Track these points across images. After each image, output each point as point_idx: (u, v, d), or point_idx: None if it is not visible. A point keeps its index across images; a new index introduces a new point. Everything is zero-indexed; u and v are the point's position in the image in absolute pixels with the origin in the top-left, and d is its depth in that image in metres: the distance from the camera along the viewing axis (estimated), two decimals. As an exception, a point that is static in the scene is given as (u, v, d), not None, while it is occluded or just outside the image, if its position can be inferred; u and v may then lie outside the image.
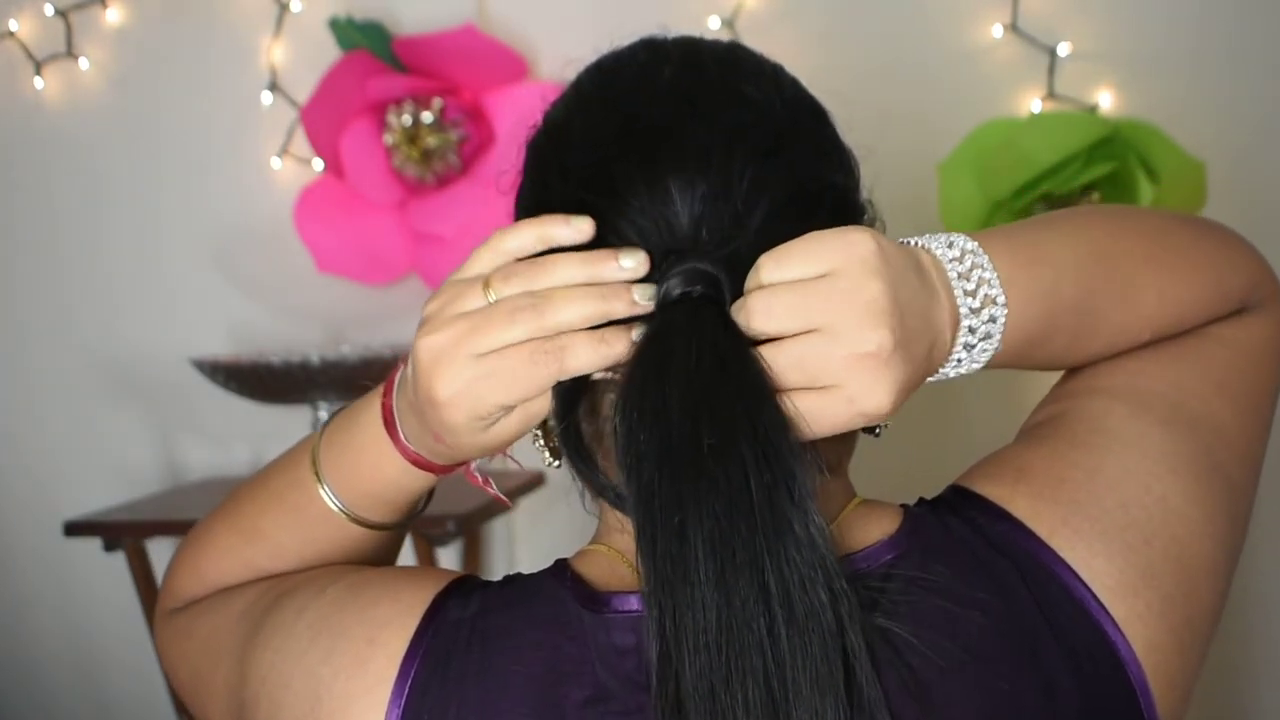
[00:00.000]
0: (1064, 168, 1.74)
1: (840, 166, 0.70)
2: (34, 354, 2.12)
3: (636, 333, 0.63)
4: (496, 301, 0.64)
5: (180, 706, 1.75)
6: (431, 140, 1.91)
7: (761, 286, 0.62)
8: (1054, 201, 1.79)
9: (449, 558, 1.96)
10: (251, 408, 1.93)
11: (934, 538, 0.68)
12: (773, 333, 0.62)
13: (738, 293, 0.63)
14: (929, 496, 0.73)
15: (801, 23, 1.88)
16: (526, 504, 1.87)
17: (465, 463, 0.74)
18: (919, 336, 0.63)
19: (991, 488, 0.70)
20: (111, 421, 2.10)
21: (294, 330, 2.03)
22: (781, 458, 0.60)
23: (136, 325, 2.09)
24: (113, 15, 2.06)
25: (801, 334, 0.61)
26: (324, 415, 1.81)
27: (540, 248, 0.65)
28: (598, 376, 0.65)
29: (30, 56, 2.09)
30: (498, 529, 2.03)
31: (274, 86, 2.02)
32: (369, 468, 0.75)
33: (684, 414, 0.60)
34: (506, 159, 0.74)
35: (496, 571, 2.01)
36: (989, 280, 0.66)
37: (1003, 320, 0.67)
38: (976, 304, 0.66)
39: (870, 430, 0.70)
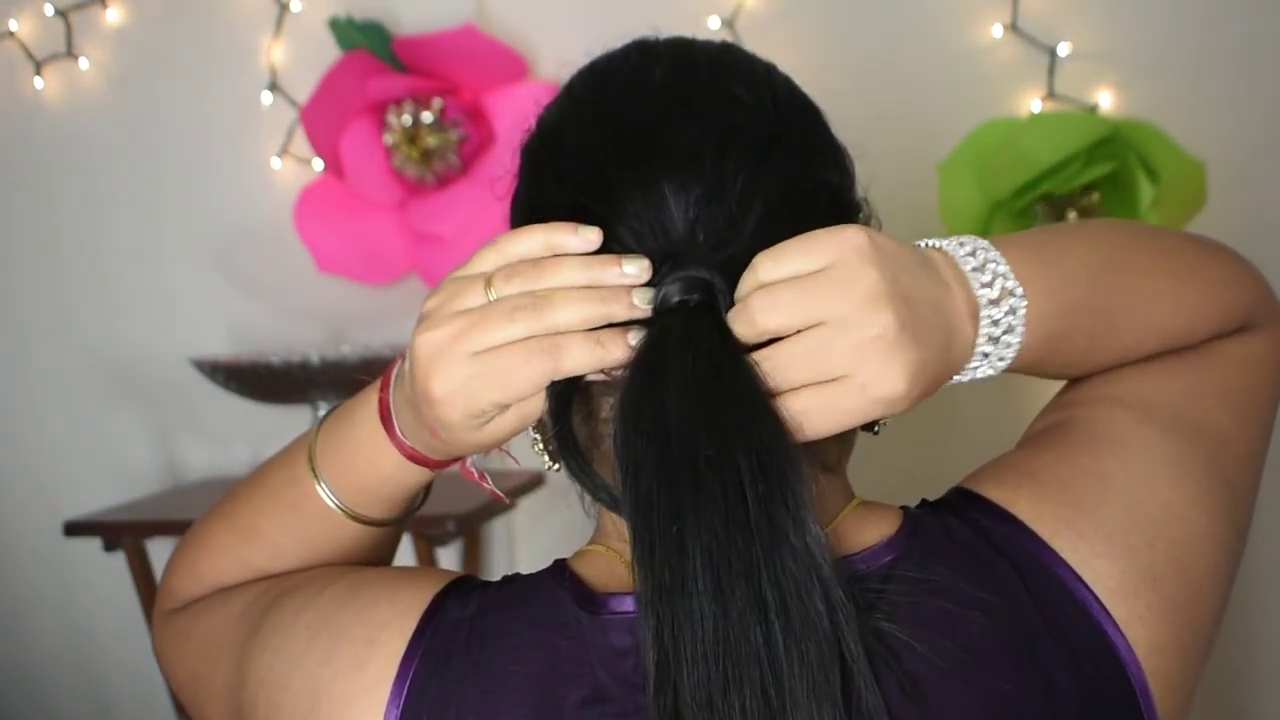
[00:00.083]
0: (1064, 168, 1.74)
1: (834, 165, 0.70)
2: (34, 354, 2.13)
3: (633, 337, 0.63)
4: (497, 300, 0.64)
5: (180, 707, 1.75)
6: (431, 140, 1.91)
7: (760, 285, 0.62)
8: (1054, 201, 1.79)
9: (449, 558, 1.96)
10: (251, 408, 1.93)
11: (934, 539, 0.68)
12: (775, 329, 0.62)
13: (735, 296, 0.63)
14: (929, 498, 0.73)
15: (801, 23, 1.88)
16: (526, 504, 1.87)
17: (461, 459, 0.74)
18: (931, 325, 0.63)
19: (995, 490, 0.70)
20: (111, 421, 2.10)
21: (294, 330, 2.04)
22: (778, 468, 0.60)
23: (136, 325, 2.09)
24: (113, 15, 2.06)
25: (806, 329, 0.61)
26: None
27: (546, 254, 0.65)
28: (593, 378, 0.65)
29: (30, 56, 2.09)
30: (498, 529, 2.03)
31: (274, 86, 2.02)
32: (365, 463, 0.75)
33: (682, 424, 0.60)
34: (505, 160, 0.74)
35: (496, 571, 2.01)
36: (1004, 273, 0.67)
37: (1023, 312, 0.67)
38: (994, 294, 0.66)
39: (869, 428, 0.70)
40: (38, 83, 2.08)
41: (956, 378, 0.67)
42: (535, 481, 1.81)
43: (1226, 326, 0.79)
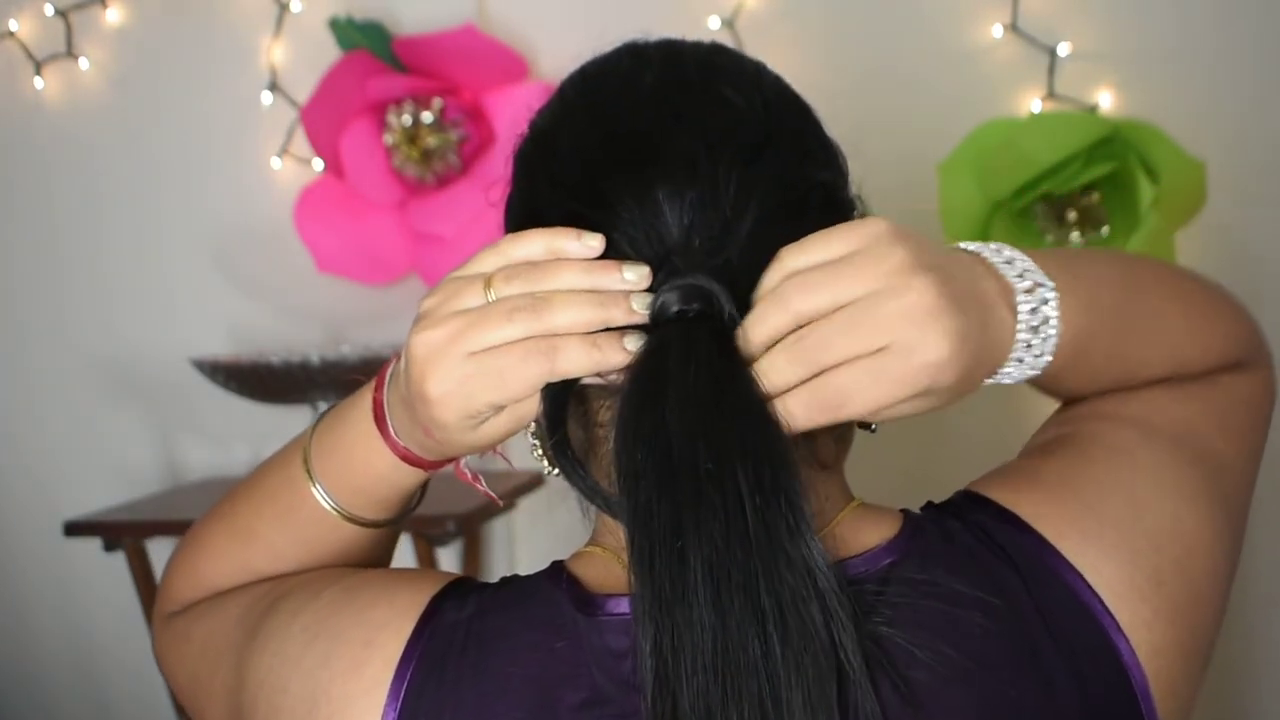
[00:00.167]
0: (1064, 168, 1.73)
1: (827, 163, 0.70)
2: (34, 354, 2.13)
3: (629, 341, 0.63)
4: (495, 300, 0.64)
5: (180, 708, 1.75)
6: (431, 140, 1.91)
7: (789, 274, 0.62)
8: (1054, 201, 1.79)
9: (449, 558, 1.96)
10: (251, 408, 1.93)
11: (933, 542, 0.68)
12: (811, 311, 0.61)
13: (734, 305, 0.63)
14: (927, 499, 0.73)
15: (801, 23, 1.88)
16: (526, 504, 1.87)
17: (455, 459, 0.74)
18: (969, 296, 0.63)
19: (1001, 492, 0.70)
20: (111, 421, 2.10)
21: (294, 330, 2.04)
22: (776, 480, 0.60)
23: (136, 325, 2.09)
24: (113, 15, 2.06)
25: (843, 306, 0.61)
26: (324, 415, 1.80)
27: (547, 258, 0.65)
28: (588, 381, 0.65)
29: (30, 56, 2.09)
30: (498, 529, 2.03)
31: (274, 86, 2.02)
32: (360, 464, 0.75)
33: (683, 435, 0.60)
34: (504, 161, 0.74)
35: (496, 572, 2.01)
36: (1032, 269, 0.67)
37: (1055, 302, 0.67)
38: (1026, 285, 0.66)
39: (866, 425, 0.70)
40: (38, 83, 2.08)
41: (1001, 372, 0.67)
42: (535, 482, 1.81)
43: (1224, 361, 0.80)
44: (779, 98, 0.70)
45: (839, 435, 0.71)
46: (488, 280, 0.65)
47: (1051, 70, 1.82)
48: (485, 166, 1.90)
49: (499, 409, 0.65)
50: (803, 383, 0.61)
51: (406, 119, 1.91)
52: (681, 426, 0.60)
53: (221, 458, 2.08)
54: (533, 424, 0.71)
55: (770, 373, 0.62)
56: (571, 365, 0.63)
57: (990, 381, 0.68)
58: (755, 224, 0.65)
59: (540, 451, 0.71)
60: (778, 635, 0.58)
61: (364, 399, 0.75)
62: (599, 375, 0.64)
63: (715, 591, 0.58)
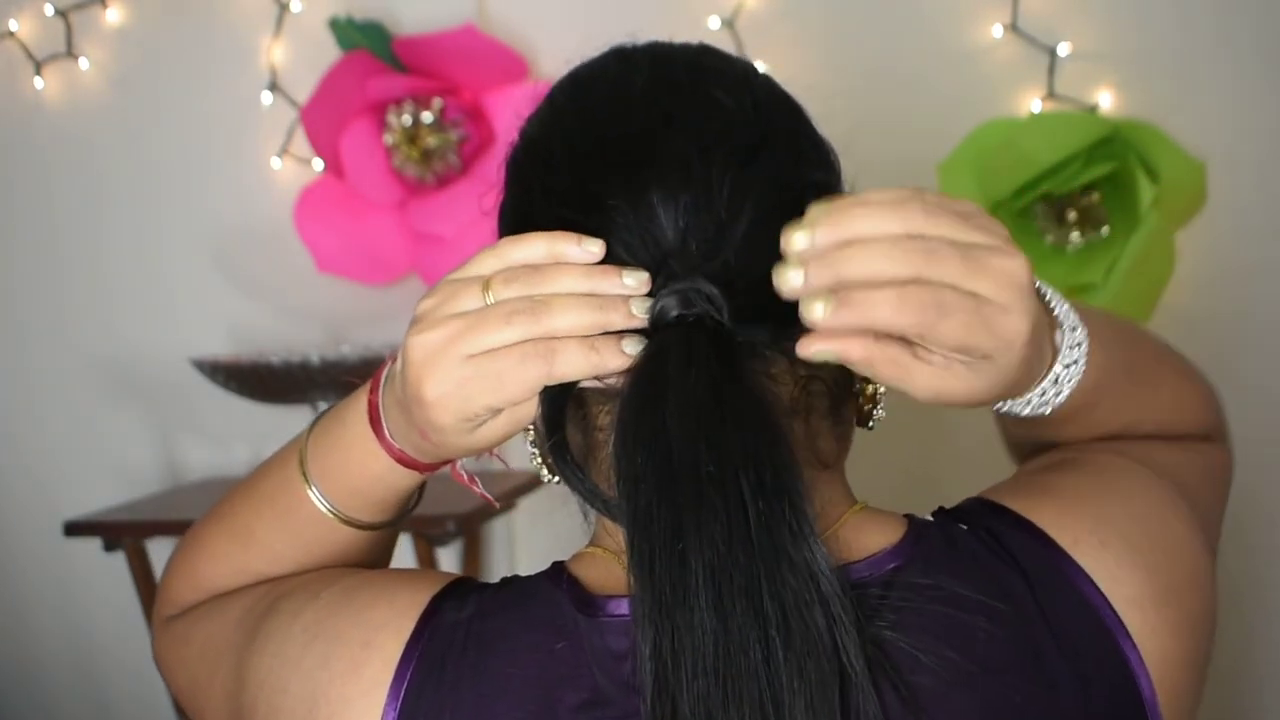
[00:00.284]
0: (1064, 168, 1.74)
1: (819, 163, 0.70)
2: (34, 354, 2.13)
3: (628, 345, 0.63)
4: (494, 303, 0.64)
5: (181, 709, 1.75)
6: (431, 140, 1.91)
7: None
8: (1054, 201, 1.79)
9: (449, 558, 1.96)
10: (251, 408, 1.93)
11: (937, 546, 0.67)
12: (927, 221, 0.59)
13: (735, 308, 0.63)
14: (926, 498, 0.73)
15: (801, 23, 1.88)
16: (526, 505, 1.87)
17: (451, 461, 0.74)
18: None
19: (1014, 500, 0.71)
20: (111, 421, 2.10)
21: (294, 330, 2.03)
22: (778, 483, 0.60)
23: (136, 325, 2.09)
24: (113, 15, 2.06)
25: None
26: (324, 415, 1.80)
27: (547, 262, 0.65)
28: (587, 383, 0.65)
29: (30, 56, 2.09)
30: (498, 529, 2.03)
31: (274, 86, 2.02)
32: (355, 466, 0.75)
33: (683, 439, 0.60)
34: (497, 169, 0.74)
35: (497, 572, 2.01)
36: (1070, 311, 0.69)
37: (1086, 346, 0.69)
38: (1072, 323, 0.69)
39: (864, 423, 0.71)
40: (38, 83, 2.08)
41: (1021, 399, 0.68)
42: (534, 483, 1.81)
43: (1199, 430, 0.83)
44: (770, 98, 0.70)
45: (838, 434, 0.71)
46: (486, 283, 0.64)
47: (1051, 70, 1.82)
48: (485, 166, 1.90)
49: (496, 412, 0.65)
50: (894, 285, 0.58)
51: (406, 119, 1.91)
52: (682, 430, 0.60)
53: (221, 458, 2.08)
54: (532, 432, 0.71)
55: (872, 258, 0.58)
56: (570, 368, 0.63)
57: (1005, 408, 0.69)
58: (751, 226, 0.65)
59: (540, 459, 0.71)
60: (780, 639, 0.58)
61: (359, 401, 0.75)
62: (597, 379, 0.64)
63: (717, 595, 0.58)
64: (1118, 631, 0.66)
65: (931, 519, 0.71)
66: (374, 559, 0.82)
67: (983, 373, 0.61)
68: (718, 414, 0.60)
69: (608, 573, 0.68)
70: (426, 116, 1.91)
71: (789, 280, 0.58)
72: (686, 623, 0.58)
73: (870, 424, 0.70)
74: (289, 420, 1.92)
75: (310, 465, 0.77)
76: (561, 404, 0.64)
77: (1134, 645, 0.66)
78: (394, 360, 0.70)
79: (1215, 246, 1.79)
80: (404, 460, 0.73)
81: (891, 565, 0.66)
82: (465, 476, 0.76)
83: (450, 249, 1.90)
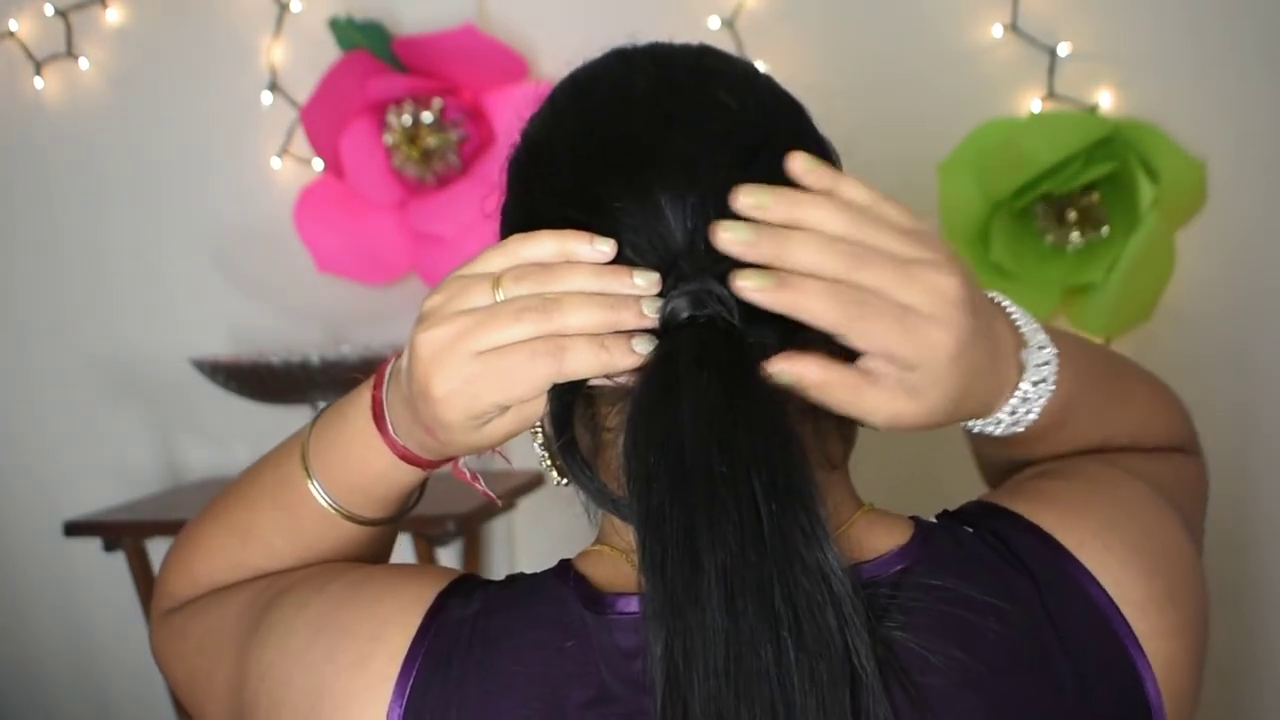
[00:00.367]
0: (1064, 168, 1.74)
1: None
2: (34, 354, 2.13)
3: (638, 344, 0.63)
4: (504, 300, 0.64)
5: (180, 707, 1.75)
6: (431, 140, 1.91)
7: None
8: (1054, 201, 1.79)
9: (449, 558, 1.96)
10: (251, 408, 1.93)
11: (944, 548, 0.67)
12: (865, 220, 0.63)
13: (745, 310, 0.63)
14: (927, 497, 0.73)
15: (801, 23, 1.88)
16: (527, 504, 1.87)
17: (454, 458, 0.74)
18: (984, 328, 0.65)
19: (1017, 503, 0.71)
20: (111, 421, 2.10)
21: (294, 330, 2.03)
22: (792, 484, 0.60)
23: (136, 325, 2.09)
24: (113, 15, 2.06)
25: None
26: (324, 415, 1.80)
27: (557, 260, 0.65)
28: (596, 382, 0.65)
29: (30, 56, 2.09)
30: (498, 529, 2.03)
31: (274, 86, 2.02)
32: (356, 462, 0.75)
33: (696, 439, 0.60)
34: (502, 162, 0.74)
35: (497, 572, 2.01)
36: (1038, 329, 0.70)
37: (1055, 363, 0.69)
38: (1040, 341, 0.70)
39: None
40: (38, 83, 2.08)
41: (991, 419, 0.69)
42: (535, 482, 1.81)
43: (1173, 443, 0.84)
44: (772, 99, 0.70)
45: (844, 434, 0.71)
46: (496, 280, 0.64)
47: (1051, 70, 1.82)
48: (485, 166, 1.90)
49: (504, 409, 0.65)
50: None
51: (406, 119, 1.91)
52: (695, 430, 0.60)
53: (221, 458, 2.08)
54: (539, 434, 0.71)
55: (812, 249, 0.61)
56: (579, 366, 0.63)
57: (978, 428, 0.70)
58: None
59: (548, 461, 0.71)
60: (791, 640, 0.58)
61: (363, 396, 0.74)
62: (606, 378, 0.64)
63: (728, 595, 0.58)
64: (1124, 635, 0.66)
65: (936, 521, 0.71)
66: (374, 555, 0.81)
67: (923, 392, 0.63)
68: (730, 415, 0.61)
69: (615, 570, 0.68)
70: (426, 116, 1.91)
71: (735, 234, 0.61)
72: (698, 623, 0.58)
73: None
74: (289, 420, 1.92)
75: (312, 460, 0.77)
76: (570, 402, 0.64)
77: (1140, 648, 0.66)
78: (398, 356, 0.70)
79: (1215, 246, 1.79)
80: (407, 457, 0.73)
81: (899, 566, 0.66)
82: (467, 474, 0.76)
83: (450, 249, 1.90)
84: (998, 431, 0.70)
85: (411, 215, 1.94)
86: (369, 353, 1.82)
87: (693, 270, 0.64)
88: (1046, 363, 0.69)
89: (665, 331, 0.63)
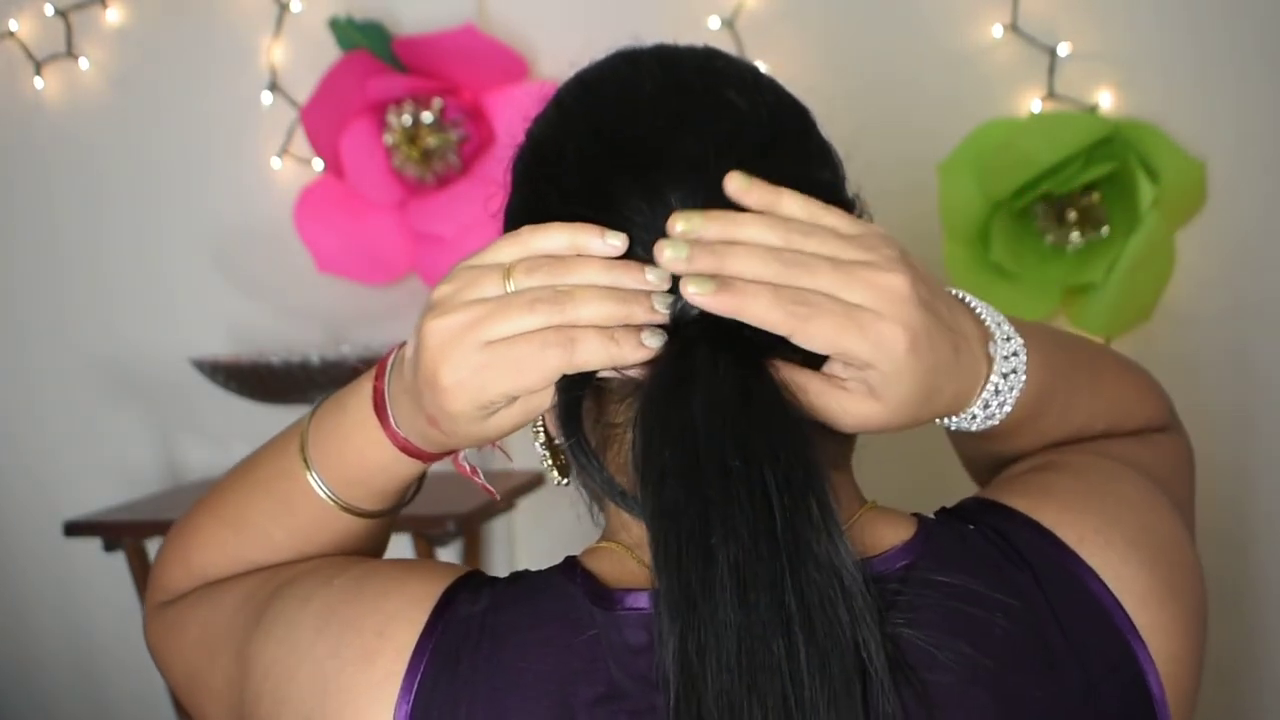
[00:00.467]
0: (1064, 168, 1.74)
1: (826, 164, 0.71)
2: (34, 354, 2.12)
3: (648, 338, 0.63)
4: (516, 291, 0.64)
5: (180, 707, 1.75)
6: (431, 140, 1.91)
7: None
8: (1054, 201, 1.79)
9: (449, 558, 1.96)
10: (251, 408, 1.93)
11: (948, 544, 0.68)
12: (800, 230, 0.64)
13: None
14: (928, 496, 0.73)
15: (801, 23, 1.88)
16: (527, 504, 1.87)
17: (454, 451, 0.74)
18: (943, 322, 0.65)
19: (1016, 499, 0.71)
20: (111, 421, 2.10)
21: (294, 330, 2.03)
22: (807, 480, 0.61)
23: (136, 325, 2.09)
24: (113, 15, 2.06)
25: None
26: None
27: (569, 253, 0.65)
28: (605, 374, 0.65)
29: (30, 56, 2.09)
30: (498, 529, 2.03)
31: (274, 86, 2.02)
32: (356, 453, 0.75)
33: (710, 434, 0.61)
34: (505, 162, 0.74)
35: (497, 572, 2.01)
36: (1005, 322, 0.70)
37: (1024, 355, 0.70)
38: (1005, 334, 0.70)
39: None
40: (38, 83, 2.08)
41: (965, 414, 0.70)
42: (535, 482, 1.81)
43: (1152, 423, 0.84)
44: (779, 100, 0.71)
45: (842, 434, 0.71)
46: (507, 270, 0.65)
47: (1051, 70, 1.82)
48: (485, 166, 1.90)
49: (511, 400, 0.65)
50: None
51: (406, 119, 1.91)
52: (708, 426, 0.61)
53: (221, 458, 2.08)
54: (540, 433, 0.71)
55: (751, 259, 0.62)
56: (590, 357, 0.63)
57: (954, 425, 0.71)
58: None
59: (549, 461, 0.71)
60: (803, 635, 0.58)
61: (363, 387, 0.74)
62: (614, 370, 0.64)
63: (741, 590, 0.59)
64: (1126, 630, 0.66)
65: (936, 518, 0.71)
66: (370, 548, 0.81)
67: (885, 391, 0.64)
68: (744, 411, 0.61)
69: (622, 567, 0.68)
70: (426, 116, 1.91)
71: (665, 253, 0.62)
72: (711, 617, 0.59)
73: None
74: (289, 420, 1.91)
75: (311, 451, 0.76)
76: (579, 395, 0.65)
77: (1143, 642, 0.67)
78: (400, 348, 0.70)
79: (1215, 246, 1.79)
80: (407, 449, 0.73)
81: (904, 562, 0.66)
82: (467, 468, 0.76)
83: (450, 249, 1.90)
84: (974, 427, 0.70)
85: (411, 215, 1.94)
86: (369, 353, 1.82)
87: None
88: (1015, 354, 0.69)
89: (675, 328, 0.64)
